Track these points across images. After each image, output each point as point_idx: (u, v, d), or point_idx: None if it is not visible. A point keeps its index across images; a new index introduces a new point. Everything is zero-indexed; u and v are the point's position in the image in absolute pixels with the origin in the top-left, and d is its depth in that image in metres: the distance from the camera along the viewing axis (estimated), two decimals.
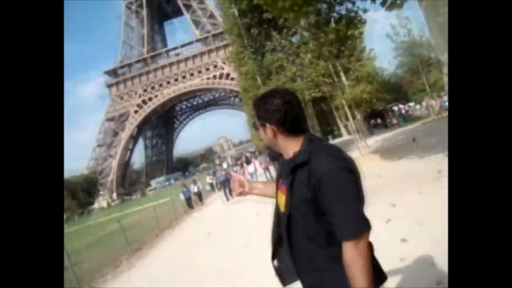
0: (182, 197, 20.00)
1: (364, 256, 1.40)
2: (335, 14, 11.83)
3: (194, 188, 21.29)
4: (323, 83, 15.32)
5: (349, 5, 11.38)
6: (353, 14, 11.46)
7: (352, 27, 11.78)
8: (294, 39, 18.03)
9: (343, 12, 11.71)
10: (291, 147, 1.59)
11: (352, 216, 1.42)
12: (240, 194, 2.00)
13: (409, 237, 4.57)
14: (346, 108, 15.46)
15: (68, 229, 43.39)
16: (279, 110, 1.56)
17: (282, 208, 1.60)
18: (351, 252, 1.40)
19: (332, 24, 11.84)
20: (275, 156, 1.92)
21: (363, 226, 1.43)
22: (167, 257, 9.20)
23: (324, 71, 15.70)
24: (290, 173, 1.50)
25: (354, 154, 14.49)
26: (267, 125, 1.60)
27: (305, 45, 16.00)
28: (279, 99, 1.58)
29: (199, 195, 21.38)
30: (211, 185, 27.51)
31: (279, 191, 1.66)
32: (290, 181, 1.50)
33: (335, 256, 1.46)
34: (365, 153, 14.25)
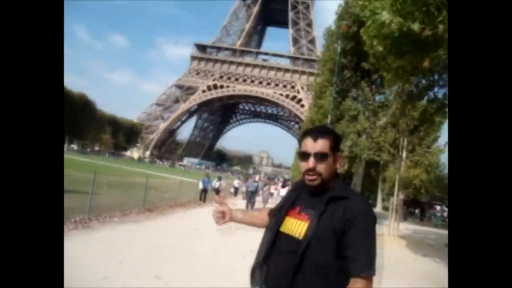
0: (200, 185, 19.33)
1: None
2: (431, 94, 11.68)
3: (215, 184, 20.69)
4: (386, 151, 15.13)
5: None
6: (447, 101, 11.26)
7: (440, 114, 11.59)
8: (377, 99, 17.95)
9: (440, 96, 11.53)
10: (332, 181, 1.73)
11: (371, 257, 1.54)
12: (222, 222, 2.02)
13: None
14: (396, 184, 15.12)
15: (97, 160, 45.15)
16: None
17: (296, 235, 1.64)
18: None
19: (424, 102, 11.71)
20: (294, 187, 1.95)
21: (375, 270, 1.54)
22: (173, 229, 9.44)
23: (392, 141, 15.57)
24: (326, 203, 1.62)
25: (382, 230, 14.16)
26: (338, 154, 1.76)
27: (385, 107, 15.94)
28: None
29: (217, 191, 20.25)
30: (236, 189, 27.20)
31: (295, 218, 1.71)
32: (322, 212, 1.60)
33: None
34: (393, 234, 13.87)
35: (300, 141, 1.81)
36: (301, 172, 1.75)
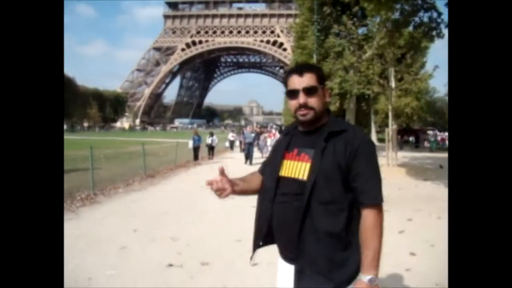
0: (190, 144, 18.06)
1: (381, 224, 1.57)
2: (416, 19, 11.33)
3: (208, 140, 19.61)
4: (376, 83, 15.06)
5: (435, 15, 10.84)
6: (434, 25, 10.98)
7: (428, 38, 11.39)
8: (360, 32, 17.59)
9: (426, 19, 11.20)
10: (324, 117, 1.72)
11: (379, 185, 1.60)
12: (224, 196, 1.74)
13: (418, 252, 4.66)
14: (390, 114, 15.21)
15: (89, 136, 44.84)
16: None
17: (300, 176, 1.62)
18: (374, 217, 1.55)
19: (410, 28, 11.47)
20: (286, 131, 1.91)
21: (383, 198, 1.60)
22: (177, 191, 9.55)
23: (381, 72, 15.45)
24: (325, 140, 1.60)
25: (381, 162, 14.39)
26: (325, 87, 1.73)
27: (370, 39, 15.66)
28: None
29: (211, 148, 19.74)
30: (231, 142, 26.39)
31: (294, 160, 1.68)
32: (323, 148, 1.59)
33: (352, 225, 1.58)
34: (391, 164, 14.15)
35: (285, 81, 1.76)
36: (293, 112, 1.71)
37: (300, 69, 1.69)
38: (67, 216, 6.71)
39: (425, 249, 4.83)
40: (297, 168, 1.65)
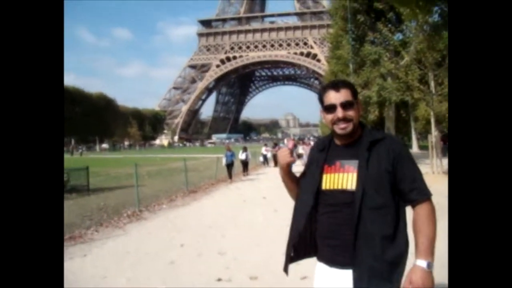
0: (224, 161, 16.26)
1: (434, 214, 1.68)
2: None
3: (241, 156, 18.36)
4: (416, 89, 14.68)
5: None
6: None
7: None
8: (396, 37, 17.27)
9: None
10: (359, 129, 1.79)
11: (424, 182, 1.72)
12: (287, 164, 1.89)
13: None
14: (432, 120, 14.74)
15: (130, 154, 46.21)
16: None
17: (349, 187, 1.68)
18: (429, 208, 1.67)
19: None
20: (322, 147, 1.91)
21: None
22: (221, 205, 9.62)
23: (421, 77, 15.06)
24: (367, 150, 1.69)
25: (425, 169, 13.96)
26: (358, 102, 1.81)
27: (407, 45, 15.32)
28: None
29: (244, 164, 18.54)
30: (265, 157, 24.91)
31: (337, 172, 1.73)
32: (367, 158, 1.67)
33: (400, 226, 1.68)
34: (437, 171, 13.68)
35: (320, 97, 1.83)
36: (330, 127, 1.79)
37: (336, 84, 1.78)
38: (114, 233, 6.91)
39: None
40: (343, 180, 1.71)
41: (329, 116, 1.76)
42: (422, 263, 1.58)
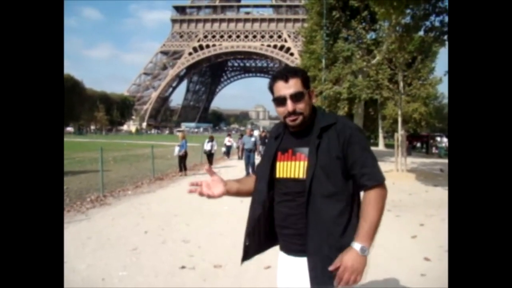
0: (176, 151, 14.27)
1: (383, 200, 1.65)
2: (428, 23, 11.23)
3: (206, 146, 16.52)
4: (386, 88, 14.99)
5: (446, 19, 10.71)
6: (446, 29, 10.85)
7: (439, 43, 11.28)
8: (369, 36, 17.55)
9: (437, 24, 11.08)
10: (311, 116, 1.75)
11: (378, 166, 1.69)
12: (207, 195, 1.86)
13: (433, 258, 4.59)
14: (399, 119, 15.12)
15: (96, 139, 45.07)
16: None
17: (301, 175, 1.67)
18: (378, 193, 1.64)
19: (421, 33, 11.37)
20: (276, 134, 1.89)
21: (384, 177, 1.69)
22: (186, 194, 9.49)
23: (391, 76, 15.38)
24: (317, 137, 1.66)
25: (390, 167, 14.34)
26: (311, 89, 1.77)
27: (379, 44, 15.61)
28: None
29: (209, 155, 16.61)
30: (227, 148, 22.83)
31: (289, 160, 1.72)
32: (317, 145, 1.65)
33: (354, 211, 1.67)
34: (401, 169, 14.05)
35: (270, 87, 1.76)
36: (282, 118, 1.75)
37: (285, 74, 1.70)
38: (77, 218, 6.72)
39: (440, 254, 4.75)
40: (295, 168, 1.70)
41: (280, 109, 1.72)
42: (357, 246, 1.57)
